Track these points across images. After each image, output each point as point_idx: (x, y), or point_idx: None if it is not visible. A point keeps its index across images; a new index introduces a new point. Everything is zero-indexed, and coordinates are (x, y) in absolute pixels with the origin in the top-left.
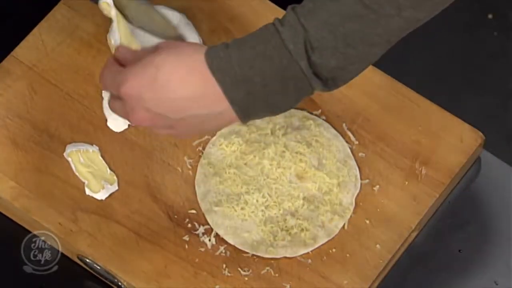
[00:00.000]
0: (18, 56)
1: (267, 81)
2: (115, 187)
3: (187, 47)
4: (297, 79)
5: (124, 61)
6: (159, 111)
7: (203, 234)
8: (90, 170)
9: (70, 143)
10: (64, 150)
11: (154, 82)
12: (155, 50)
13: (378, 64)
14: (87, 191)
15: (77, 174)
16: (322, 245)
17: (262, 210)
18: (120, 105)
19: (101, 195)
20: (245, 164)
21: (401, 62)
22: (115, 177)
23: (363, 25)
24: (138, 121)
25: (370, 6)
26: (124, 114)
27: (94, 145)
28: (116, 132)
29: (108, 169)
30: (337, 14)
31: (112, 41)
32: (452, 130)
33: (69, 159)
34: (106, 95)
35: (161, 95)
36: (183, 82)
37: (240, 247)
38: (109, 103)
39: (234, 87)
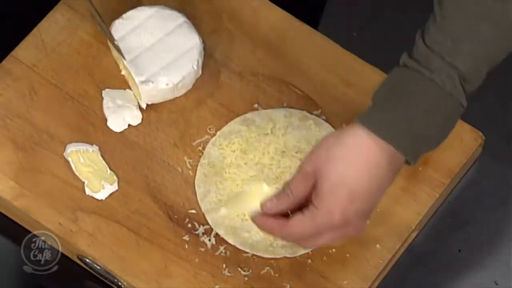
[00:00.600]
0: (18, 56)
1: (437, 128)
2: (115, 187)
3: (331, 138)
4: (458, 112)
5: (285, 207)
6: (369, 207)
7: (203, 234)
8: (90, 170)
9: (70, 143)
10: (64, 150)
11: (344, 189)
12: (310, 168)
13: (378, 64)
14: (87, 191)
15: (77, 174)
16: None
17: None
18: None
19: (101, 195)
20: (245, 164)
21: None
22: (115, 177)
23: (501, 43)
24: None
25: (500, 24)
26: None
27: (94, 145)
28: (116, 132)
29: (108, 169)
30: (477, 40)
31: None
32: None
33: (69, 159)
34: (106, 95)
35: (360, 194)
36: (362, 166)
37: (240, 247)
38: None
39: (408, 146)
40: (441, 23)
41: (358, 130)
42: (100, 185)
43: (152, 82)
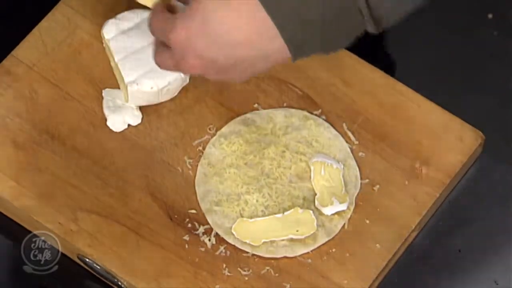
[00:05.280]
0: (18, 56)
1: (324, 17)
2: (344, 206)
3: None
4: (353, 18)
5: (173, 8)
6: (211, 57)
7: (203, 234)
8: (327, 184)
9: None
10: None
11: (204, 28)
12: None
13: (378, 64)
14: (316, 203)
15: (312, 183)
16: (322, 245)
17: (262, 210)
18: (168, 55)
19: (328, 211)
20: (245, 164)
21: (401, 62)
22: (347, 198)
23: None
24: (189, 69)
25: None
26: (173, 64)
27: (340, 163)
28: (116, 132)
29: (344, 189)
30: None
31: (106, 36)
32: (452, 130)
33: (312, 167)
34: (106, 95)
35: (212, 40)
36: (235, 24)
37: (240, 247)
38: (154, 57)
39: (291, 24)
40: None
41: None
42: (330, 201)
43: (137, 84)
